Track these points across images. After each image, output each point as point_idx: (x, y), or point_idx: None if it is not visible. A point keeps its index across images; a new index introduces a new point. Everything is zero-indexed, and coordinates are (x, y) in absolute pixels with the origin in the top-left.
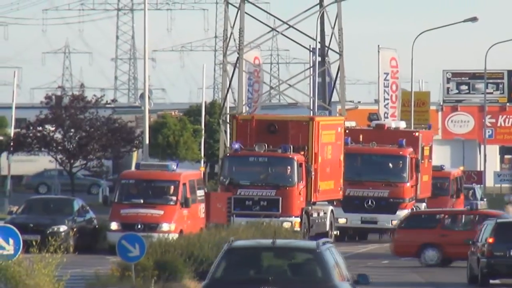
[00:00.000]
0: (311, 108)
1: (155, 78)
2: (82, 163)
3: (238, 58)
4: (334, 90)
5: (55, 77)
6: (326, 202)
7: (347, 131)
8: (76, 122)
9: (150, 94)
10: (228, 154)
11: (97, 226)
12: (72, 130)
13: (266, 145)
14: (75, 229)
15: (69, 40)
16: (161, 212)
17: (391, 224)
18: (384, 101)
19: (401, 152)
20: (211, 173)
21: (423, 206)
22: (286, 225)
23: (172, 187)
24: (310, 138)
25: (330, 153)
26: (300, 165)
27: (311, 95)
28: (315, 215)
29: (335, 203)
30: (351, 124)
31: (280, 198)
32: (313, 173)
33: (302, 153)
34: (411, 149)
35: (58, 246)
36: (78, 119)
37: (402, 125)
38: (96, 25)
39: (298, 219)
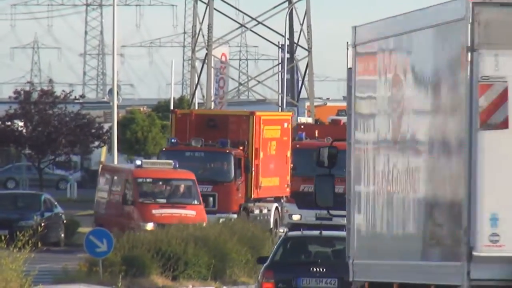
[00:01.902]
0: (280, 104)
1: (123, 74)
2: (50, 159)
3: (206, 54)
4: (303, 86)
5: (23, 72)
6: (273, 199)
7: (302, 126)
8: (44, 117)
9: (119, 90)
10: (164, 149)
11: (65, 221)
12: (41, 125)
13: (203, 140)
14: (43, 224)
15: (38, 35)
16: (194, 212)
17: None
18: None
19: None
20: None
21: None
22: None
23: (185, 185)
24: (251, 133)
25: (275, 149)
26: (238, 160)
27: (280, 91)
28: (256, 212)
29: (284, 200)
30: (308, 120)
31: (216, 194)
32: (253, 168)
33: (241, 148)
34: None
35: (26, 241)
36: (46, 114)
37: None
38: (65, 20)
39: (235, 216)
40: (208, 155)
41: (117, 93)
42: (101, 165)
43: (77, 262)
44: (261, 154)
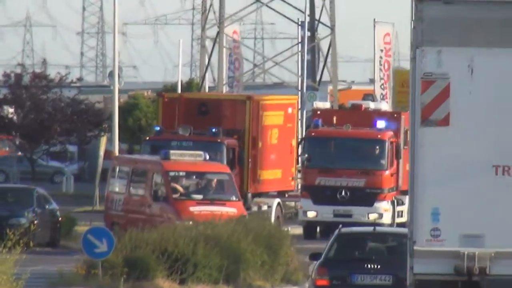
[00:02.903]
0: (299, 88)
1: (125, 55)
2: (44, 149)
3: (218, 33)
4: (325, 68)
5: (14, 53)
6: (276, 193)
7: (318, 112)
8: (37, 103)
9: (120, 72)
10: (148, 138)
11: (60, 219)
12: (33, 112)
13: (192, 128)
14: (36, 222)
15: (31, 12)
16: (234, 210)
17: (368, 217)
18: (380, 81)
19: (379, 136)
20: None
21: (406, 199)
22: None
23: (221, 180)
24: (247, 120)
25: (276, 138)
26: (232, 151)
27: (299, 74)
28: (254, 208)
29: (287, 194)
30: (325, 105)
31: None
32: (249, 160)
33: (235, 137)
34: (391, 133)
35: (17, 240)
36: (40, 100)
37: (384, 106)
38: None
39: None
40: (197, 145)
41: (119, 75)
42: (101, 156)
43: (74, 264)
44: (260, 144)
